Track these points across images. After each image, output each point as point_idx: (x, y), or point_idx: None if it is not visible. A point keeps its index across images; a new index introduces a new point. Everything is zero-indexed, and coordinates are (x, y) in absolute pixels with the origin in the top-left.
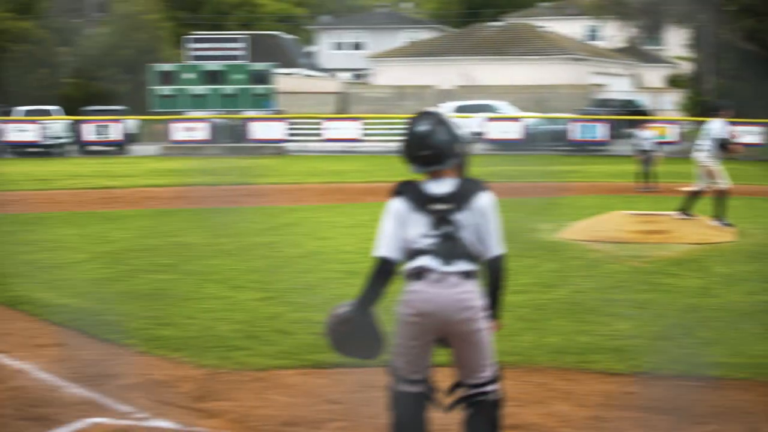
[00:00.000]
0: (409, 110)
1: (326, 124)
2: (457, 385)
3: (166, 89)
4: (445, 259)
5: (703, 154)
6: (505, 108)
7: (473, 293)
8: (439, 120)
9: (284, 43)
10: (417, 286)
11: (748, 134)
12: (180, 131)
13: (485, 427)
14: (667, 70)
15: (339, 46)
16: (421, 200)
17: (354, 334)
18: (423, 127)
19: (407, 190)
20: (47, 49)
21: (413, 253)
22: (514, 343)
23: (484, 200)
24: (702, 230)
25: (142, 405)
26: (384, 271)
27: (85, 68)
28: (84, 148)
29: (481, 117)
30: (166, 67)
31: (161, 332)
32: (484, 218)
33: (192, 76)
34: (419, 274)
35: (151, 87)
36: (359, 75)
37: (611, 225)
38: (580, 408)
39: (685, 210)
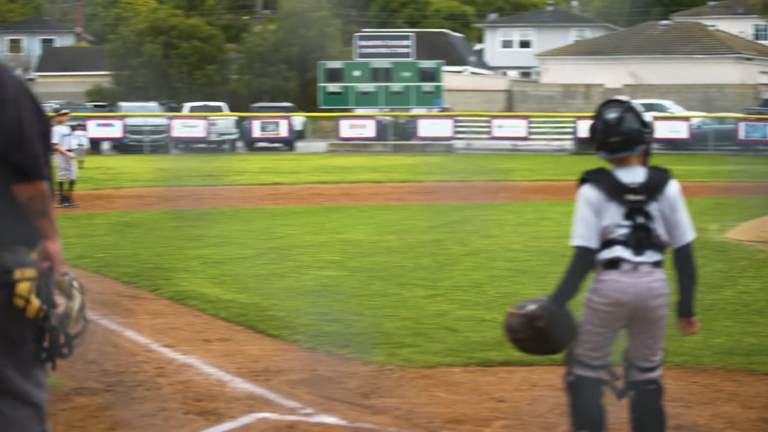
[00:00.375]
0: (576, 109)
1: (494, 121)
2: (625, 371)
3: (335, 86)
4: (637, 249)
5: None
6: (673, 107)
7: (663, 281)
8: (628, 107)
9: (452, 40)
10: (611, 275)
11: None
12: (347, 128)
13: (656, 412)
14: None
15: (507, 44)
16: (614, 190)
17: (550, 331)
18: (612, 114)
19: (599, 179)
20: (215, 45)
21: (606, 243)
22: (680, 344)
23: (674, 189)
24: None
25: (308, 401)
26: (587, 261)
27: (252, 65)
28: (251, 145)
29: (648, 116)
30: (335, 64)
31: (328, 328)
32: (675, 207)
33: (360, 73)
34: (613, 263)
35: (320, 84)
36: (526, 73)
37: None
38: (746, 410)
39: None
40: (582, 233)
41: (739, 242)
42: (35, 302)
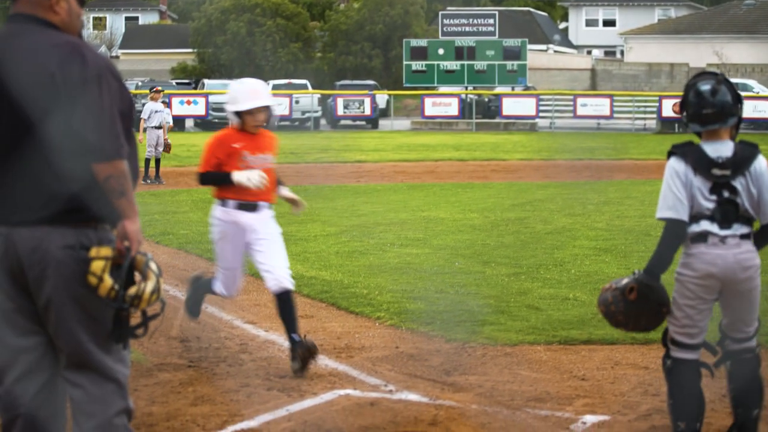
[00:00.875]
0: (660, 88)
1: (578, 100)
2: (721, 342)
3: (419, 64)
4: (724, 223)
5: None
6: (757, 86)
7: (753, 252)
8: (722, 79)
9: (536, 19)
10: (699, 248)
11: None
12: (431, 106)
13: (754, 381)
14: None
15: (591, 23)
16: (702, 164)
17: (643, 303)
18: (706, 86)
19: (688, 153)
20: (299, 23)
21: (693, 217)
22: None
23: (762, 165)
24: None
25: (390, 378)
26: (679, 233)
27: (336, 43)
28: (335, 122)
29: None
30: (420, 42)
31: (411, 306)
32: (761, 183)
33: (444, 51)
34: (701, 236)
35: (405, 62)
36: (610, 52)
37: None
38: None
39: None
40: (671, 205)
41: None
42: (108, 281)
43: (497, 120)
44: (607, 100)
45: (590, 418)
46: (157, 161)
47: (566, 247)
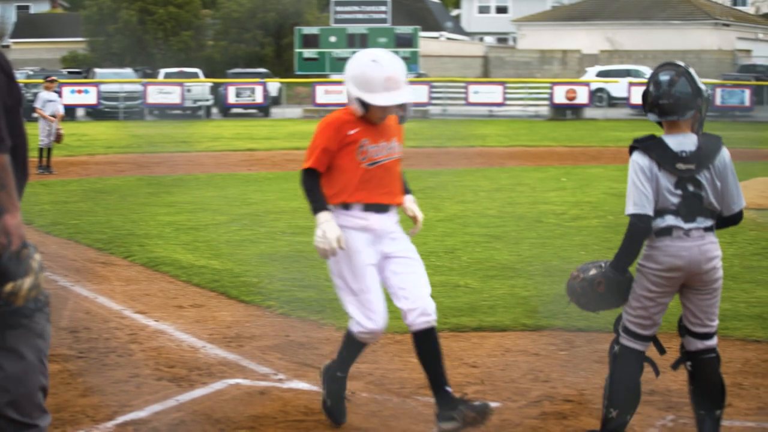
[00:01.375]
0: (552, 75)
1: (470, 87)
2: (683, 338)
3: (311, 52)
4: (689, 216)
5: None
6: (649, 73)
7: (715, 243)
8: (682, 71)
9: (429, 6)
10: (663, 241)
11: None
12: (323, 94)
13: (716, 381)
14: None
15: (484, 10)
16: (666, 158)
17: (610, 296)
18: (665, 76)
19: (651, 147)
20: (191, 11)
21: (659, 211)
22: None
23: (725, 157)
24: None
25: (280, 366)
26: (644, 228)
27: (228, 31)
28: (226, 111)
29: (624, 81)
30: (311, 30)
31: (301, 294)
32: (725, 176)
33: (336, 39)
34: (665, 230)
35: (296, 50)
36: (503, 39)
37: (753, 191)
38: None
39: None
40: (636, 200)
41: None
42: None
43: None
44: (500, 88)
45: None
46: (48, 151)
47: (457, 235)
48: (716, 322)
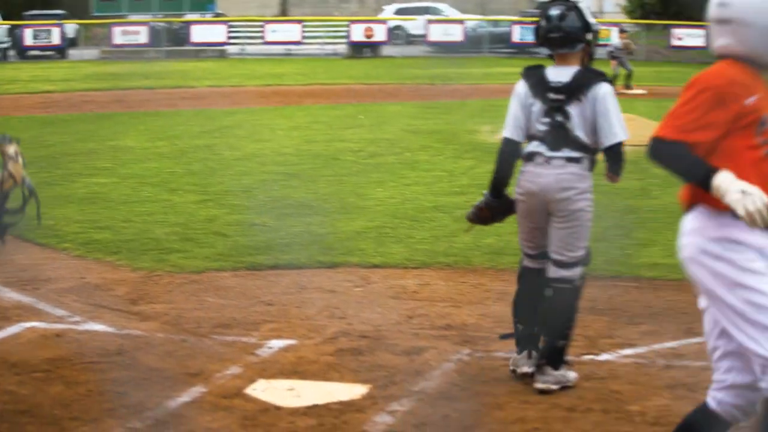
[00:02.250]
0: (349, 13)
1: (267, 26)
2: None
3: None
4: (553, 145)
5: None
6: (447, 10)
7: (576, 175)
8: (571, 6)
9: None
10: (527, 167)
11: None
12: (120, 35)
13: (564, 312)
14: None
15: None
16: (539, 87)
17: (494, 217)
18: (555, 11)
19: (531, 75)
20: None
21: (529, 137)
22: (450, 244)
23: (601, 91)
24: (640, 131)
25: (76, 309)
26: (508, 151)
27: None
28: (23, 53)
29: (422, 19)
30: None
31: (97, 236)
32: (597, 111)
33: None
34: (530, 156)
35: None
36: None
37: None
38: None
39: None
40: (507, 124)
41: None
42: None
43: (187, 47)
44: (298, 26)
45: (276, 343)
46: None
47: (254, 173)
48: (577, 254)
